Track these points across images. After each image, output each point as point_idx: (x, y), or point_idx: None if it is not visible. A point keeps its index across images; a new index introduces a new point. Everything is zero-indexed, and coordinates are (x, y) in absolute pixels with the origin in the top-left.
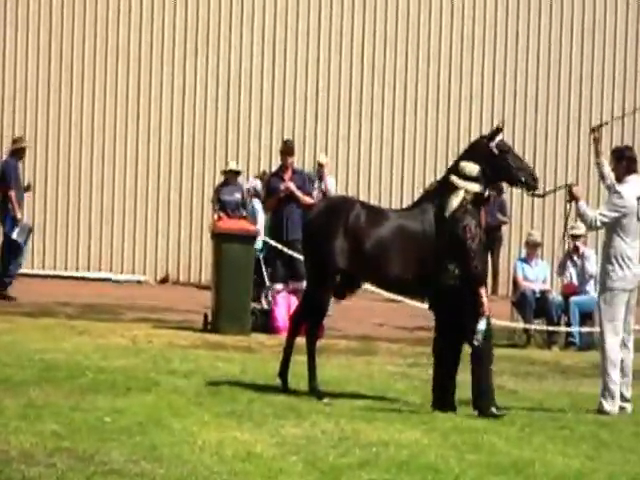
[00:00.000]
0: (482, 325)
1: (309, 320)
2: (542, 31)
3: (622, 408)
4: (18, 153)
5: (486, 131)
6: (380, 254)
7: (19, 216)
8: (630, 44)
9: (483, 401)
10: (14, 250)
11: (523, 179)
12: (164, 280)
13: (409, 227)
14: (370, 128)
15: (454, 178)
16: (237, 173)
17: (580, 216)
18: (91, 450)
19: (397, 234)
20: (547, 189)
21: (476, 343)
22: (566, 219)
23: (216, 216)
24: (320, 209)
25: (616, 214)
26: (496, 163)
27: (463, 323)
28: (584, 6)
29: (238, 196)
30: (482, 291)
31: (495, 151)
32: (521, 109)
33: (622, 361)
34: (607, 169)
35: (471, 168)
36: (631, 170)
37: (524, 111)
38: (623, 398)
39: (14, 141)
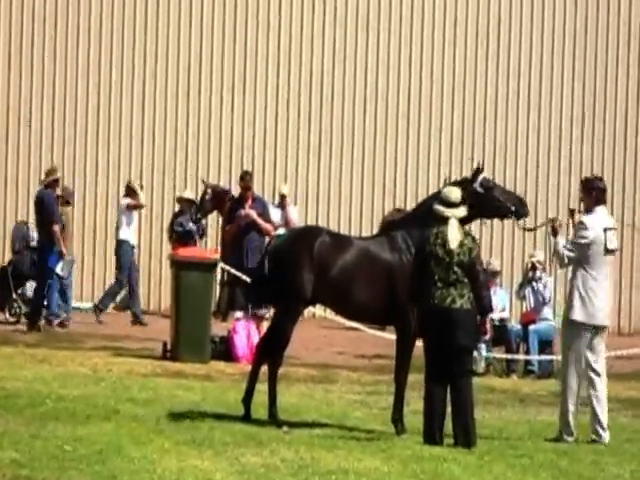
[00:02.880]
0: (484, 351)
1: (274, 348)
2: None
3: (600, 438)
4: (53, 185)
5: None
6: (347, 283)
7: (64, 251)
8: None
9: (474, 434)
10: (56, 286)
11: (513, 209)
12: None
13: (377, 255)
14: (335, 156)
15: (439, 208)
16: (191, 202)
17: (555, 253)
18: (51, 478)
19: (365, 262)
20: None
21: (479, 369)
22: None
23: (170, 246)
24: (286, 238)
25: (579, 247)
26: (484, 201)
27: (465, 348)
28: None
29: (192, 225)
30: (487, 318)
31: (480, 190)
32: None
33: (596, 388)
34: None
35: (456, 194)
36: (600, 201)
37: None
38: (600, 426)
39: (47, 173)
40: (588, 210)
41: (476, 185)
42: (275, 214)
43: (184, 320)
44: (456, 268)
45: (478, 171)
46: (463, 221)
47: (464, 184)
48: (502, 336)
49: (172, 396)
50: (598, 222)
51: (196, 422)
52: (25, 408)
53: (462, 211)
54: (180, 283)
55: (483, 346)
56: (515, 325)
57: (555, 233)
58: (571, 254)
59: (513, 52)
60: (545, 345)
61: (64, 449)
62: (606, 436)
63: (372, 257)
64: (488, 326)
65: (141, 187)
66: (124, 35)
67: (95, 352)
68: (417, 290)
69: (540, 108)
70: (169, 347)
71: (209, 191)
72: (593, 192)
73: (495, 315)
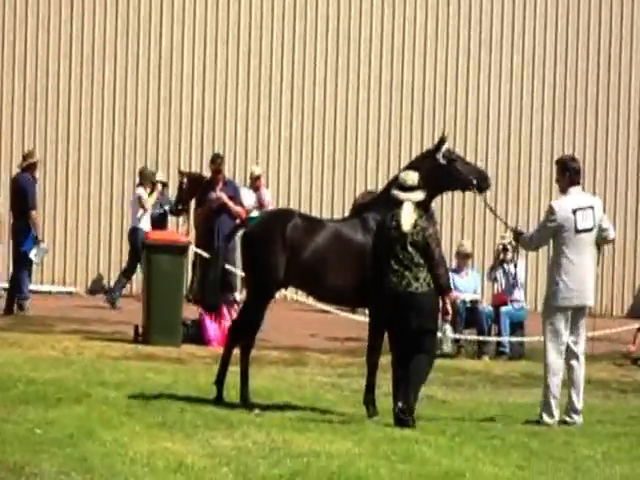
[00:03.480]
0: (449, 332)
1: (245, 331)
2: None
3: (573, 422)
4: (31, 168)
5: (426, 142)
6: (319, 265)
7: (40, 237)
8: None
9: (412, 406)
10: (27, 269)
11: (475, 182)
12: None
13: (350, 237)
14: (306, 139)
15: (395, 192)
16: (164, 184)
17: (525, 247)
18: (22, 462)
19: (337, 244)
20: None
21: (446, 349)
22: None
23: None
24: (259, 221)
25: (544, 230)
26: (446, 172)
27: (423, 330)
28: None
29: (165, 207)
30: (448, 298)
31: (442, 161)
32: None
33: (574, 373)
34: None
35: (412, 178)
36: (574, 182)
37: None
38: (574, 410)
39: (25, 156)
40: (563, 191)
41: (439, 156)
42: (249, 196)
43: (156, 303)
44: (410, 249)
45: (442, 141)
46: (430, 196)
47: (427, 154)
48: (473, 318)
49: (143, 379)
50: (567, 204)
51: (167, 405)
52: None
53: (418, 195)
54: (152, 266)
55: (448, 327)
56: (486, 307)
57: (517, 239)
58: (536, 236)
59: (484, 38)
60: (516, 327)
61: (35, 432)
62: (578, 420)
63: (344, 239)
64: (449, 306)
65: (164, 185)
66: (96, 20)
67: (66, 335)
68: (376, 275)
69: (512, 87)
70: (141, 330)
71: (185, 180)
72: (567, 173)
73: (467, 297)
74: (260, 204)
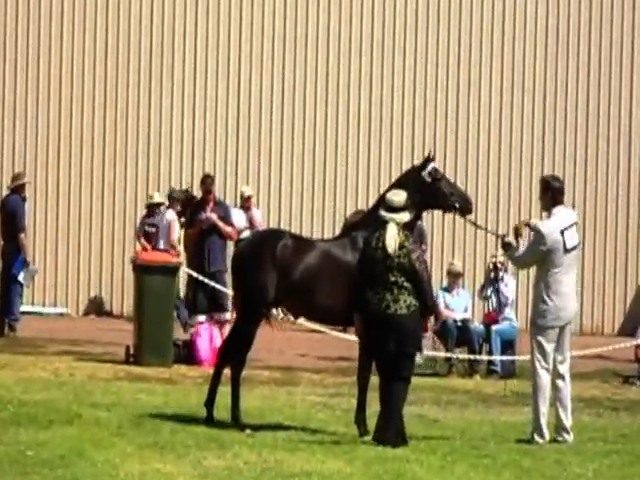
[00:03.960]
0: (426, 350)
1: (236, 351)
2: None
3: (564, 441)
4: (20, 189)
5: (418, 154)
6: (309, 284)
7: (29, 259)
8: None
9: (394, 436)
10: (18, 292)
11: (457, 205)
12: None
13: (339, 257)
14: (297, 158)
15: (383, 213)
16: (160, 205)
17: (513, 263)
18: None
19: (326, 264)
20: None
21: (419, 359)
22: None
23: (139, 247)
24: (249, 241)
25: (535, 254)
26: (429, 191)
27: (401, 354)
28: None
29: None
30: (432, 318)
31: (428, 180)
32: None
33: (560, 392)
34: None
35: (399, 198)
36: (557, 202)
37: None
38: (563, 429)
39: (14, 178)
40: (546, 210)
41: (424, 174)
42: (240, 216)
43: (147, 324)
44: (395, 271)
45: (428, 159)
46: (416, 216)
47: (413, 171)
48: (465, 337)
49: (134, 400)
50: (555, 225)
51: (158, 425)
52: None
53: (404, 216)
54: (142, 287)
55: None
56: (478, 325)
57: (506, 249)
58: (526, 261)
59: (474, 58)
60: (508, 345)
61: (26, 454)
62: (569, 438)
63: (334, 259)
64: (429, 324)
65: (159, 205)
66: (85, 42)
67: (57, 357)
68: (359, 295)
69: (502, 110)
70: (132, 351)
71: (177, 204)
72: (549, 192)
73: (458, 316)
74: (252, 224)
